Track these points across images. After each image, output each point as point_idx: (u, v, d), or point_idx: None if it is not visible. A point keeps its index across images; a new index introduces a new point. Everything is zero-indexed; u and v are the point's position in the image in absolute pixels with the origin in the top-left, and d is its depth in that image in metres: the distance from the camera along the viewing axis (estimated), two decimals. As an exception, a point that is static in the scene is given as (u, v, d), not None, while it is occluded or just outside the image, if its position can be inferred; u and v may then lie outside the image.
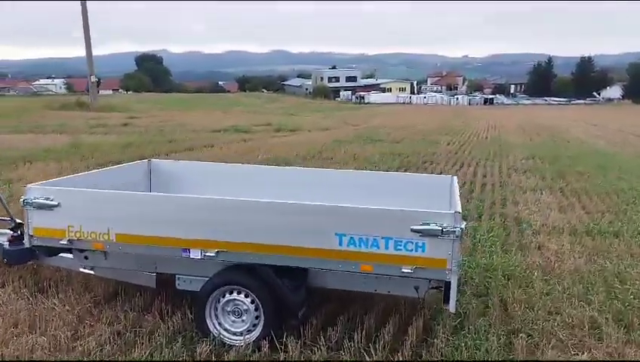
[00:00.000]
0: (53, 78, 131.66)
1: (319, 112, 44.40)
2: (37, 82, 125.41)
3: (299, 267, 4.04)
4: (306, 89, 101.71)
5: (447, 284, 3.80)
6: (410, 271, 3.79)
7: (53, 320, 4.44)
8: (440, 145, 19.07)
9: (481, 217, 8.33)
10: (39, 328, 4.32)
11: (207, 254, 4.08)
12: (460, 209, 3.87)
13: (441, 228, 3.69)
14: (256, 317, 4.13)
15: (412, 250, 3.79)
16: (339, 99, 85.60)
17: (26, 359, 3.93)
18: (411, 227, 3.73)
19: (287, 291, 4.07)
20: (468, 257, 6.15)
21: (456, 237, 3.68)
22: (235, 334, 4.18)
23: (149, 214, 4.19)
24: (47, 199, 4.26)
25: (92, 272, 4.76)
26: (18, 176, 10.35)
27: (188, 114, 34.35)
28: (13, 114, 28.58)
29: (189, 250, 4.12)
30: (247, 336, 4.14)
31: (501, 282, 5.53)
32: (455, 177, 5.35)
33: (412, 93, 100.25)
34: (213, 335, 4.16)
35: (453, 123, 33.65)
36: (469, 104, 77.02)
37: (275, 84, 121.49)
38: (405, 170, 12.69)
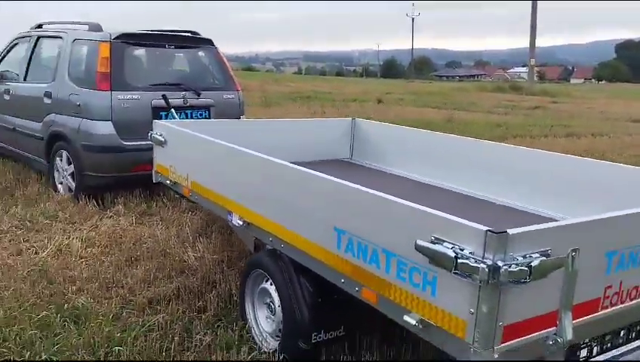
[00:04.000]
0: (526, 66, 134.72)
1: None
2: (511, 70, 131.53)
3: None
4: None
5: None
6: (414, 323, 2.01)
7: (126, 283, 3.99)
8: None
9: None
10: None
11: (238, 222, 3.22)
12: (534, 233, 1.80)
13: (454, 255, 1.80)
14: (281, 322, 3.03)
15: (418, 284, 2.00)
16: None
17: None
18: (417, 241, 1.94)
19: (302, 298, 2.80)
20: None
21: (486, 281, 1.72)
22: (262, 334, 3.19)
23: (212, 165, 3.58)
24: (160, 135, 4.15)
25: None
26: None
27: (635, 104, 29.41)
28: (446, 93, 30.60)
29: (232, 213, 3.33)
30: (270, 343, 3.11)
31: None
32: None
33: None
34: (249, 326, 3.29)
35: None
36: None
37: None
38: None
